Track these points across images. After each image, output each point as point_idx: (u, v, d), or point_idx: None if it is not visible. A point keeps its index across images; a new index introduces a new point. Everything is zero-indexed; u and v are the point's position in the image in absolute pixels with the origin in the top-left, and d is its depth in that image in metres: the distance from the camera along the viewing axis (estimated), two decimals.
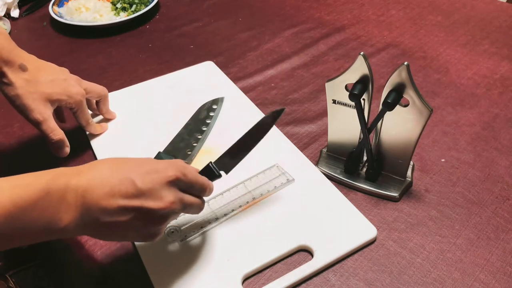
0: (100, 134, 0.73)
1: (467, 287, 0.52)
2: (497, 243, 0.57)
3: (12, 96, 0.61)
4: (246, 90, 0.81)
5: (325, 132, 0.70)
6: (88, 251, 0.58)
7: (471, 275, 0.53)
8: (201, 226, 0.58)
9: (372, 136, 0.61)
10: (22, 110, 0.62)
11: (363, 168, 0.65)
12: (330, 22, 1.00)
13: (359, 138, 0.63)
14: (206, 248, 0.56)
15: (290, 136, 0.71)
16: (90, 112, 0.73)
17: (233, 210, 0.60)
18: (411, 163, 0.64)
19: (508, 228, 0.58)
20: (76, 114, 0.68)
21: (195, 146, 0.69)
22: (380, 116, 0.58)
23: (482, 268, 0.54)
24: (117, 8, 1.04)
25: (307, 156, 0.67)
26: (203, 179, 0.50)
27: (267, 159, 0.66)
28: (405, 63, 0.53)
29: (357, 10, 1.04)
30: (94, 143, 0.72)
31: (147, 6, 1.04)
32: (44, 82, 0.63)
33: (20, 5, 1.11)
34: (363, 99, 0.58)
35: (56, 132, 0.63)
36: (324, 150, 0.68)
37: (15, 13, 1.08)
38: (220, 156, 0.55)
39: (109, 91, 0.75)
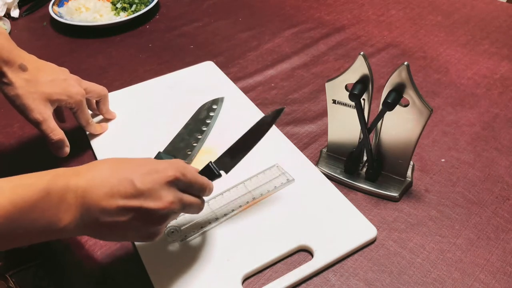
0: (100, 134, 0.73)
1: (467, 287, 0.52)
2: (497, 243, 0.57)
3: (12, 96, 0.61)
4: (246, 90, 0.81)
5: (325, 132, 0.70)
6: (88, 251, 0.58)
7: (471, 275, 0.53)
8: (201, 226, 0.58)
9: (372, 136, 0.61)
10: (22, 110, 0.62)
11: (363, 168, 0.65)
12: (330, 22, 1.00)
13: (359, 138, 0.63)
14: (206, 248, 0.56)
15: (290, 136, 0.71)
16: (90, 112, 0.73)
17: (233, 210, 0.60)
18: (411, 163, 0.64)
19: (508, 228, 0.58)
20: (76, 114, 0.68)
21: (195, 146, 0.69)
22: (380, 116, 0.58)
23: (482, 268, 0.54)
24: (117, 8, 1.04)
25: (307, 156, 0.67)
26: (203, 179, 0.50)
27: (267, 159, 0.66)
28: (405, 63, 0.53)
29: (357, 10, 1.04)
30: (94, 143, 0.72)
31: (147, 6, 1.04)
32: (44, 82, 0.63)
33: (20, 5, 1.11)
34: (363, 99, 0.58)
35: (56, 132, 0.63)
36: (324, 150, 0.68)
37: (15, 13, 1.08)
38: (220, 156, 0.55)
39: (109, 91, 0.75)
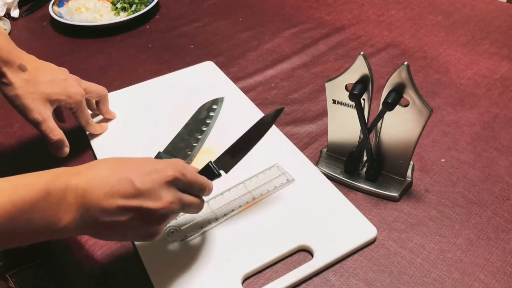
0: (100, 134, 0.73)
1: (467, 287, 0.52)
2: (497, 243, 0.57)
3: (12, 96, 0.61)
4: (246, 90, 0.81)
5: (325, 132, 0.70)
6: (88, 251, 0.58)
7: (471, 275, 0.53)
8: (201, 226, 0.58)
9: (372, 136, 0.61)
10: (21, 110, 0.62)
11: (363, 168, 0.65)
12: (330, 22, 1.00)
13: (359, 138, 0.63)
14: (206, 248, 0.56)
15: (290, 136, 0.71)
16: (90, 112, 0.73)
17: (233, 210, 0.60)
18: (411, 163, 0.64)
19: (508, 228, 0.58)
20: (76, 114, 0.68)
21: (195, 146, 0.69)
22: (380, 116, 0.58)
23: (482, 268, 0.54)
24: (117, 8, 1.04)
25: (307, 156, 0.67)
26: (203, 179, 0.50)
27: (267, 159, 0.66)
28: (405, 63, 0.53)
29: (357, 10, 1.04)
30: (94, 143, 0.72)
31: (147, 6, 1.04)
32: (43, 82, 0.63)
33: (20, 5, 1.11)
34: (363, 99, 0.58)
35: (56, 132, 0.63)
36: (324, 150, 0.68)
37: (15, 13, 1.08)
38: (220, 156, 0.55)
39: (109, 91, 0.75)
